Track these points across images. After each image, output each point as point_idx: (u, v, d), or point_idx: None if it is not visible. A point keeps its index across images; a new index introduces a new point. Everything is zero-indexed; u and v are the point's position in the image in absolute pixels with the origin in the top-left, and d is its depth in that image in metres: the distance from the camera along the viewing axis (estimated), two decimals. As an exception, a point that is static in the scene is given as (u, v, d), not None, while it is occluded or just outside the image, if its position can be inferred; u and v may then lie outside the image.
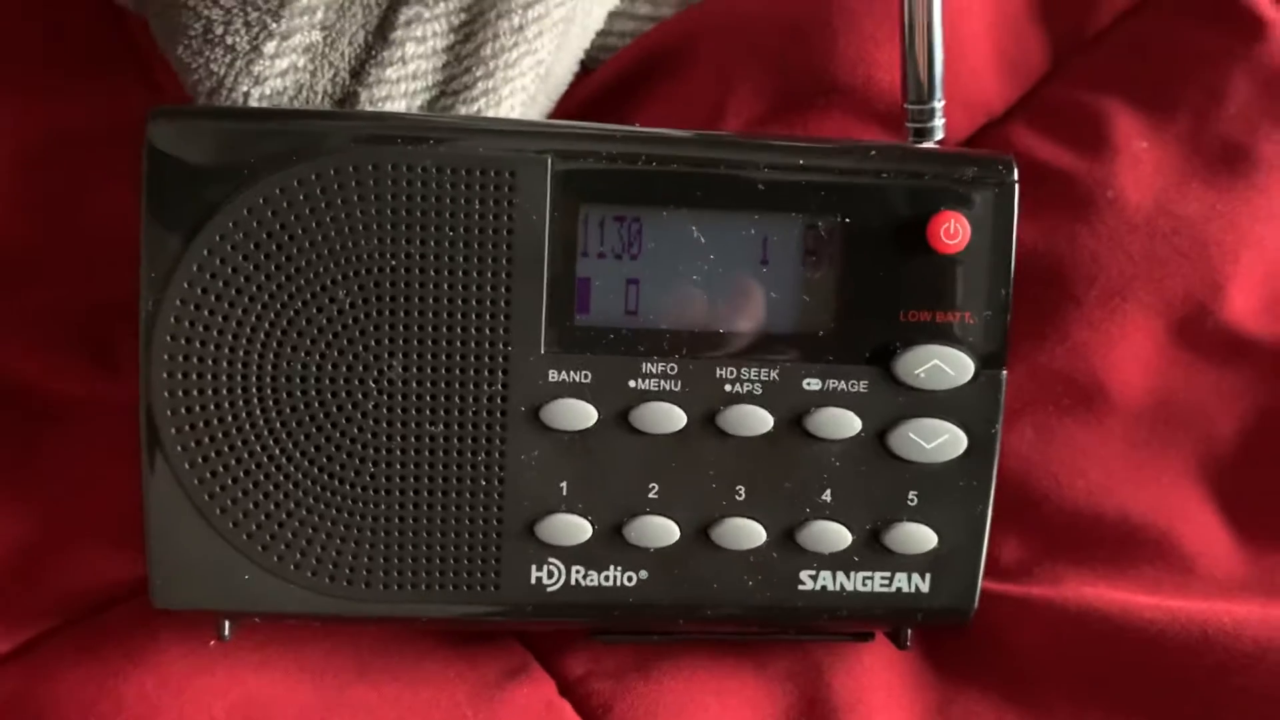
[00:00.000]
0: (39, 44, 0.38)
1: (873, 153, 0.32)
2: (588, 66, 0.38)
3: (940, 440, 0.32)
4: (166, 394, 0.30)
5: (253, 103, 0.33)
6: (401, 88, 0.34)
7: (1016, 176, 0.32)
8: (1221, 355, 0.37)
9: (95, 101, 0.38)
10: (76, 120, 0.38)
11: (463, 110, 0.34)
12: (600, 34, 0.38)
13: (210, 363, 0.30)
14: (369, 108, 0.34)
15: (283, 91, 0.34)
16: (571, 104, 0.38)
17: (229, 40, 0.33)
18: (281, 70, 0.33)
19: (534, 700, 0.33)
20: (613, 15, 0.38)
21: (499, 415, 0.31)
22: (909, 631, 0.34)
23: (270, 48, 0.33)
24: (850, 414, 0.32)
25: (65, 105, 0.38)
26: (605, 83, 0.38)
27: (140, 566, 0.34)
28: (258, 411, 0.30)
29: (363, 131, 0.30)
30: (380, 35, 0.34)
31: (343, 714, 0.33)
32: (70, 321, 0.36)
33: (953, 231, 0.31)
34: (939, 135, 0.34)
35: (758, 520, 0.32)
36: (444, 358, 0.31)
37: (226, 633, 0.32)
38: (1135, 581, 0.36)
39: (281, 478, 0.31)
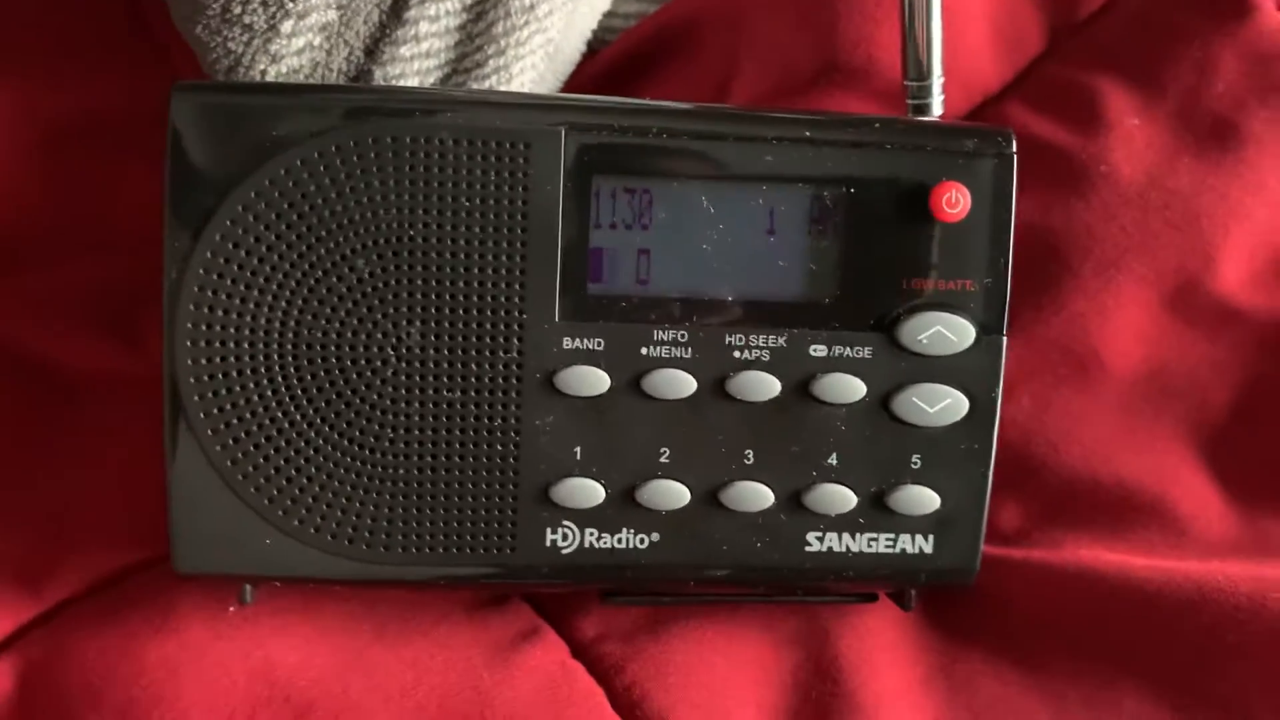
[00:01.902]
0: (57, 28, 0.39)
1: (877, 125, 0.33)
2: (593, 47, 0.39)
3: (943, 404, 0.33)
4: (190, 362, 0.31)
5: (270, 80, 0.34)
6: (415, 65, 0.35)
7: (1015, 148, 0.33)
8: (1212, 324, 0.38)
9: (113, 84, 0.38)
10: (96, 103, 0.38)
11: (474, 87, 0.35)
12: (607, 15, 0.39)
13: (233, 331, 0.31)
14: (385, 84, 0.34)
15: (299, 70, 0.34)
16: (578, 83, 0.39)
17: (247, 19, 0.34)
18: (298, 49, 0.34)
19: (547, 662, 0.34)
20: (619, -4, 0.39)
21: (515, 382, 0.32)
22: (913, 592, 0.35)
23: (287, 27, 0.34)
24: (855, 379, 0.33)
25: (85, 88, 0.38)
26: (611, 62, 0.39)
27: (160, 537, 0.35)
28: (279, 378, 0.31)
29: (381, 105, 0.31)
30: (394, 14, 0.35)
31: (361, 676, 0.33)
32: (92, 299, 0.37)
33: (954, 201, 0.32)
34: (938, 112, 0.35)
35: (766, 483, 0.33)
36: (461, 326, 0.32)
37: (248, 597, 0.33)
38: (1131, 544, 0.37)
39: (302, 443, 0.31)
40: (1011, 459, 0.37)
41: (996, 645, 0.36)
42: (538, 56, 0.35)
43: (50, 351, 0.37)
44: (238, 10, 0.34)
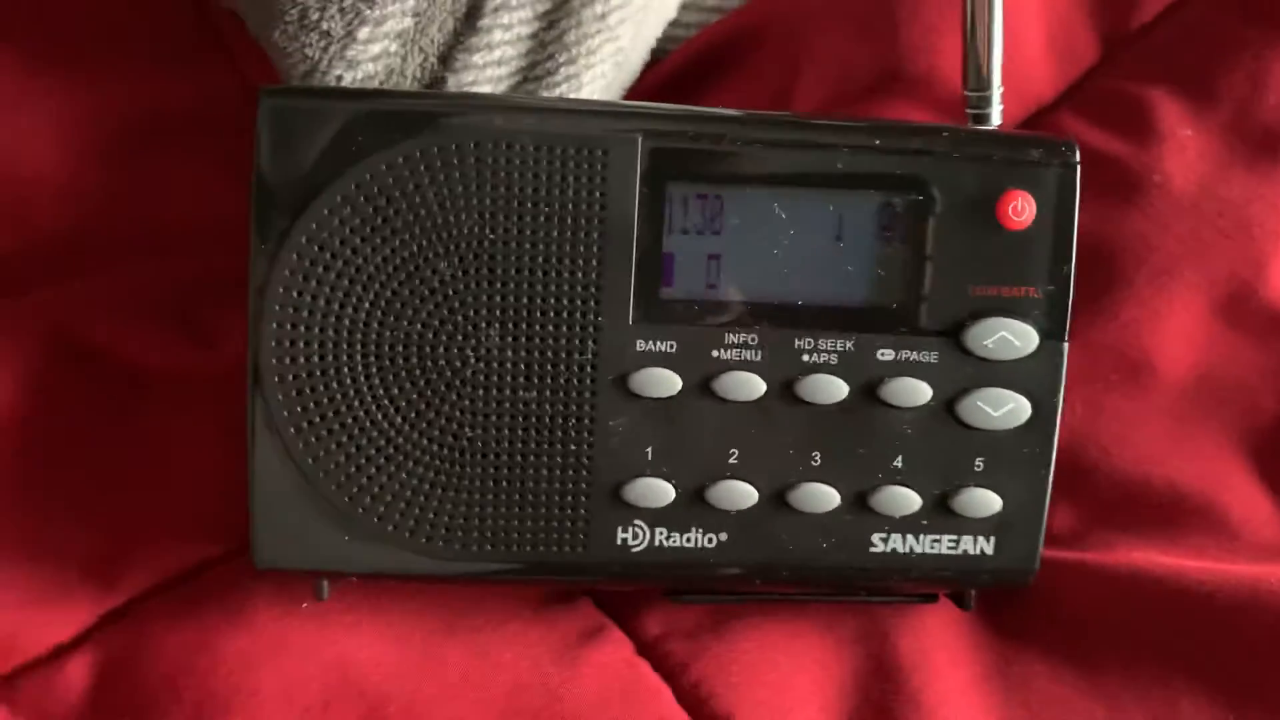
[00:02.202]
0: (125, 31, 0.40)
1: (945, 134, 0.33)
2: (656, 55, 0.40)
3: (1006, 408, 0.33)
4: (274, 360, 0.32)
5: (345, 86, 0.35)
6: (488, 73, 0.36)
7: (1078, 158, 0.33)
8: (1263, 332, 0.38)
9: (183, 89, 0.39)
10: (163, 105, 0.39)
11: (544, 95, 0.36)
12: (670, 24, 0.39)
13: (317, 330, 0.32)
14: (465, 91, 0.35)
15: (374, 76, 0.35)
16: (641, 91, 0.39)
17: (324, 26, 0.34)
18: (374, 55, 0.35)
19: (613, 659, 0.35)
20: (682, 6, 0.39)
21: (589, 383, 0.33)
22: (973, 593, 0.36)
23: (364, 33, 0.35)
24: (922, 383, 0.33)
25: (152, 91, 0.39)
26: (674, 71, 0.40)
27: (233, 532, 0.36)
28: (361, 378, 0.32)
29: (461, 111, 0.32)
30: (469, 21, 0.35)
31: (433, 672, 0.34)
32: (162, 298, 0.38)
33: (1020, 209, 0.33)
34: (996, 121, 0.36)
35: (832, 485, 0.33)
36: (538, 328, 0.32)
37: (325, 593, 0.34)
38: (1183, 548, 0.37)
39: (383, 442, 0.32)
40: (1065, 462, 0.38)
41: (1052, 646, 0.36)
42: (608, 65, 0.36)
43: (122, 349, 0.37)
44: (315, 17, 0.34)
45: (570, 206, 0.32)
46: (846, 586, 0.35)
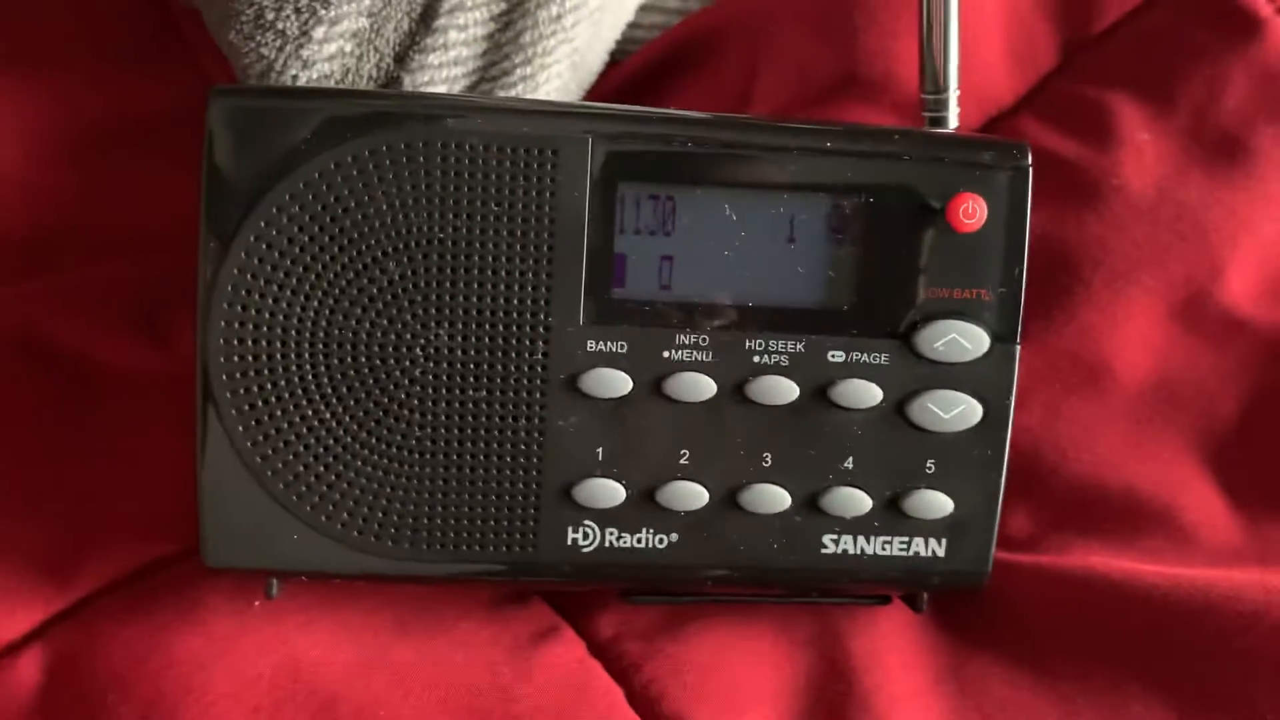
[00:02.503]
0: (91, 33, 0.40)
1: (896, 137, 0.33)
2: (616, 56, 0.40)
3: (957, 410, 0.34)
4: (222, 359, 0.32)
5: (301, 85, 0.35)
6: (443, 73, 0.36)
7: (1030, 161, 0.33)
8: (1220, 335, 0.39)
9: (145, 87, 0.39)
10: (128, 106, 0.39)
11: (500, 95, 0.36)
12: (630, 25, 0.39)
13: (265, 330, 0.32)
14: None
15: (330, 75, 0.35)
16: (601, 92, 0.39)
17: (280, 25, 0.35)
18: (329, 55, 0.35)
19: (566, 659, 0.35)
20: (642, 8, 0.39)
21: (539, 383, 0.33)
22: (925, 595, 0.36)
23: (319, 33, 0.35)
24: (872, 385, 0.33)
25: (118, 92, 0.39)
26: (633, 73, 0.40)
27: (187, 531, 0.35)
28: (310, 377, 0.32)
29: (413, 110, 0.32)
30: (424, 22, 0.36)
31: (384, 672, 0.34)
32: (122, 297, 0.38)
33: (971, 212, 0.33)
34: (953, 124, 0.36)
35: (783, 486, 0.34)
36: (487, 327, 0.32)
37: (274, 591, 0.34)
38: (1139, 551, 0.37)
39: (331, 441, 0.32)
40: (1022, 466, 0.38)
41: (1006, 648, 0.36)
42: (563, 66, 0.36)
43: (81, 348, 0.37)
44: (271, 16, 0.35)
45: (521, 207, 0.32)
46: (798, 587, 0.35)
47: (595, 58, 0.38)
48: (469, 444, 0.32)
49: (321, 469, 0.32)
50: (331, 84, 0.35)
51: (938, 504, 0.34)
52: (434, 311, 0.32)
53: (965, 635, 0.37)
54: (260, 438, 0.32)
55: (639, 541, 0.33)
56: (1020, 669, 0.36)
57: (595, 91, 0.39)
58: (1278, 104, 0.38)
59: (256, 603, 0.34)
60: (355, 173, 0.31)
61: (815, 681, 0.35)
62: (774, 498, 0.34)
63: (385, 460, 0.32)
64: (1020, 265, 0.34)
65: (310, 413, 0.32)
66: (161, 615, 0.34)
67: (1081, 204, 0.38)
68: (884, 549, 0.34)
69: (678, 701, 0.34)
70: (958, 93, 0.36)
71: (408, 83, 0.36)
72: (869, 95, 0.38)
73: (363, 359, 0.32)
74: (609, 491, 0.33)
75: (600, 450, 0.33)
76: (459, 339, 0.32)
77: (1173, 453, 0.38)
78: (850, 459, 0.34)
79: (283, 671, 0.33)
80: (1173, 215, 0.38)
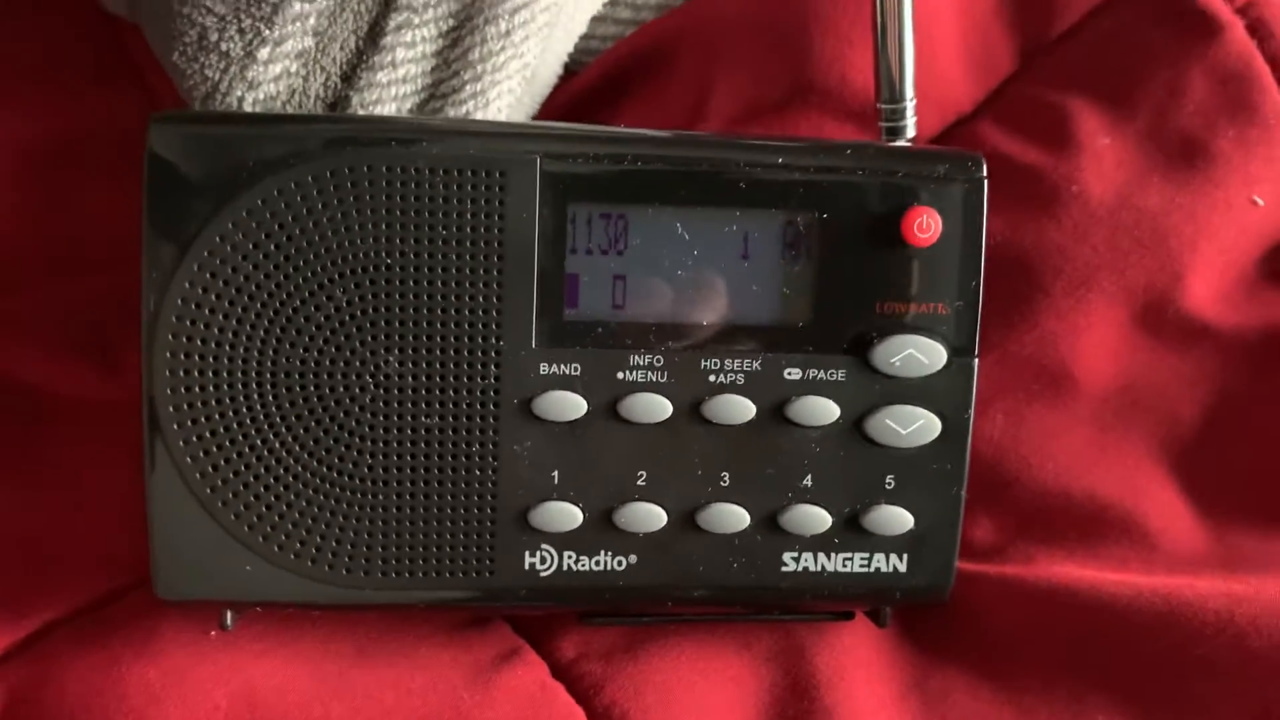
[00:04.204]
0: (37, 55, 0.39)
1: (848, 151, 0.33)
2: (571, 69, 0.39)
3: (915, 426, 0.33)
4: (169, 390, 0.31)
5: (247, 107, 0.34)
6: (392, 91, 0.35)
7: (985, 173, 0.33)
8: (1182, 341, 0.38)
9: (92, 109, 0.39)
10: (74, 128, 0.39)
11: (451, 112, 0.35)
12: (583, 38, 0.39)
13: (211, 359, 0.31)
14: (360, 111, 0.35)
15: (276, 96, 0.35)
16: (555, 106, 0.39)
17: (224, 46, 0.34)
18: (275, 75, 0.34)
19: (528, 682, 0.34)
20: (595, 20, 0.39)
21: (492, 407, 0.32)
22: (888, 610, 0.35)
23: (264, 53, 0.34)
24: (829, 402, 0.33)
25: (63, 114, 0.39)
26: (588, 85, 0.39)
27: (141, 561, 0.35)
28: (258, 406, 0.31)
29: (358, 134, 0.31)
30: (371, 41, 0.35)
31: (342, 699, 0.34)
32: (71, 324, 0.37)
33: (925, 226, 0.33)
34: (910, 133, 0.36)
35: (741, 505, 0.33)
36: (438, 352, 0.32)
37: (229, 622, 0.33)
38: (1103, 559, 0.37)
39: (281, 470, 0.32)
40: (985, 475, 0.38)
41: (970, 660, 0.36)
42: (514, 81, 0.35)
43: (29, 376, 0.37)
44: (214, 37, 0.34)
45: (469, 230, 0.32)
46: (760, 606, 0.35)
47: (548, 71, 0.38)
48: (422, 470, 0.32)
49: (273, 499, 0.32)
50: (278, 105, 0.35)
51: (898, 520, 0.34)
52: (383, 338, 0.32)
53: (929, 649, 0.36)
54: (209, 469, 0.32)
55: (598, 564, 0.33)
56: (984, 681, 0.36)
57: (550, 104, 0.39)
58: (1237, 106, 0.38)
59: (213, 632, 0.34)
60: (299, 199, 0.31)
61: (778, 698, 0.35)
62: (733, 517, 0.33)
63: (337, 489, 0.32)
64: (977, 278, 0.33)
65: (260, 442, 0.32)
66: (116, 647, 0.34)
67: (1041, 210, 0.38)
68: (845, 565, 0.34)
69: (639, 723, 0.34)
70: (914, 101, 0.36)
71: (356, 102, 0.35)
72: (826, 105, 0.38)
73: (312, 387, 0.32)
74: (566, 515, 0.33)
75: (556, 473, 0.33)
76: (409, 365, 0.32)
77: (1136, 459, 0.38)
78: (809, 477, 0.33)
79: (239, 701, 0.33)
80: (1133, 221, 0.38)
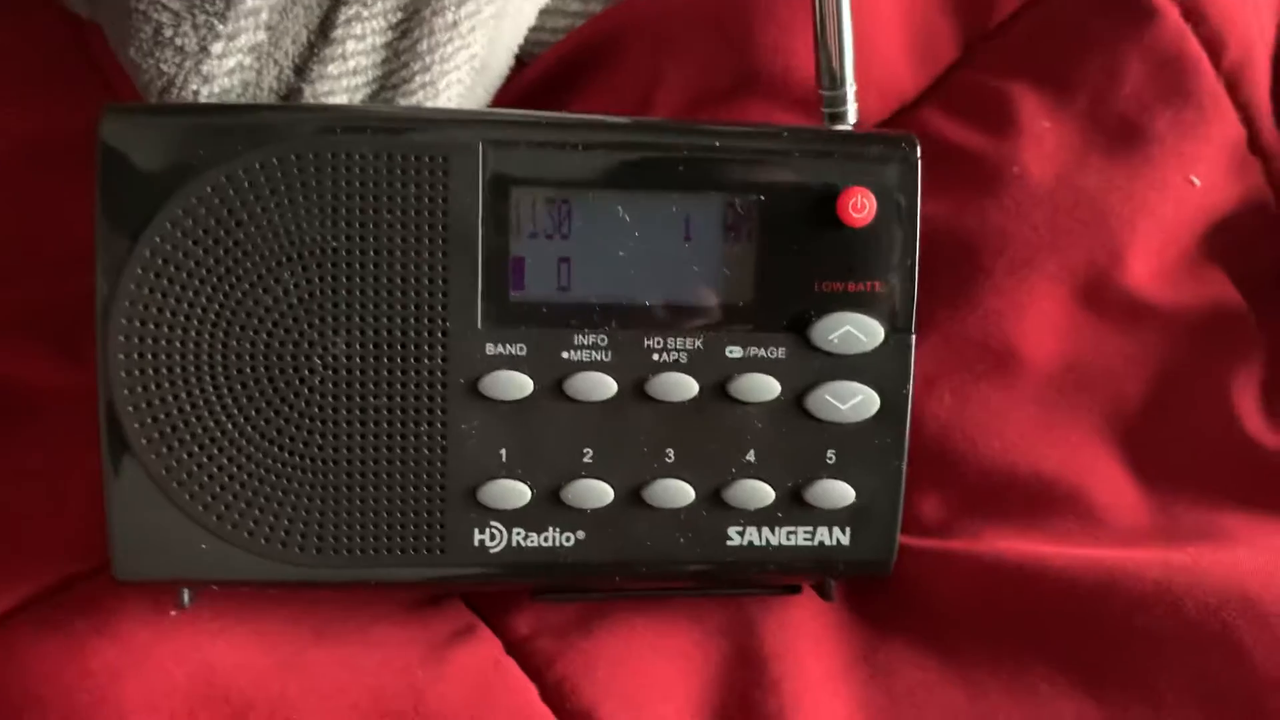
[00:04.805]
0: (3, 56, 0.40)
1: (785, 134, 0.34)
2: (522, 60, 0.40)
3: (854, 401, 0.34)
4: (123, 374, 0.32)
5: (202, 100, 0.35)
6: (343, 83, 0.36)
7: (919, 154, 0.34)
8: (1124, 319, 0.39)
9: (54, 107, 0.39)
10: (40, 125, 0.39)
11: (402, 103, 0.36)
12: (534, 29, 0.40)
13: (164, 344, 0.32)
14: (313, 102, 0.36)
15: (230, 89, 0.36)
16: (508, 96, 0.40)
17: (178, 42, 0.35)
18: (229, 69, 0.35)
19: (481, 659, 0.35)
20: (545, 12, 0.40)
21: (439, 388, 0.33)
22: (833, 583, 0.36)
23: (218, 48, 0.35)
24: (770, 378, 0.34)
25: (26, 112, 0.39)
26: (539, 75, 0.40)
27: (102, 547, 0.36)
28: (210, 390, 0.32)
29: (304, 123, 0.32)
30: (322, 34, 0.36)
31: (299, 676, 0.34)
32: (36, 317, 0.38)
33: (860, 206, 0.33)
34: (852, 119, 0.37)
35: (686, 480, 0.34)
36: (385, 335, 0.33)
37: (186, 601, 0.34)
38: (1049, 534, 0.38)
39: (235, 452, 0.33)
40: (932, 453, 0.38)
41: (916, 633, 0.37)
42: (463, 72, 0.36)
43: (-5, 368, 0.38)
44: (169, 33, 0.35)
45: (414, 214, 0.32)
46: (707, 581, 0.35)
47: (498, 62, 0.39)
48: (372, 450, 0.33)
49: (226, 480, 0.33)
50: (233, 98, 0.36)
51: (839, 493, 0.34)
52: (331, 321, 0.32)
53: (876, 622, 0.37)
54: (165, 450, 0.32)
55: (546, 540, 0.34)
56: (929, 653, 0.36)
57: (502, 94, 0.40)
58: (1173, 90, 0.39)
59: (172, 612, 0.35)
60: (246, 185, 0.32)
61: (726, 671, 0.36)
62: (678, 492, 0.34)
63: (290, 469, 0.33)
64: (912, 256, 0.34)
65: (213, 425, 0.32)
66: (76, 629, 0.34)
67: (983, 192, 0.39)
68: (789, 539, 0.35)
69: (589, 697, 0.34)
70: (854, 88, 0.36)
71: (309, 94, 0.36)
72: (770, 93, 0.39)
73: (262, 370, 0.32)
74: (514, 492, 0.34)
75: (504, 452, 0.33)
76: (357, 347, 0.33)
77: (1081, 435, 0.39)
78: (752, 452, 0.34)
79: (198, 679, 0.34)
80: (1072, 201, 0.39)
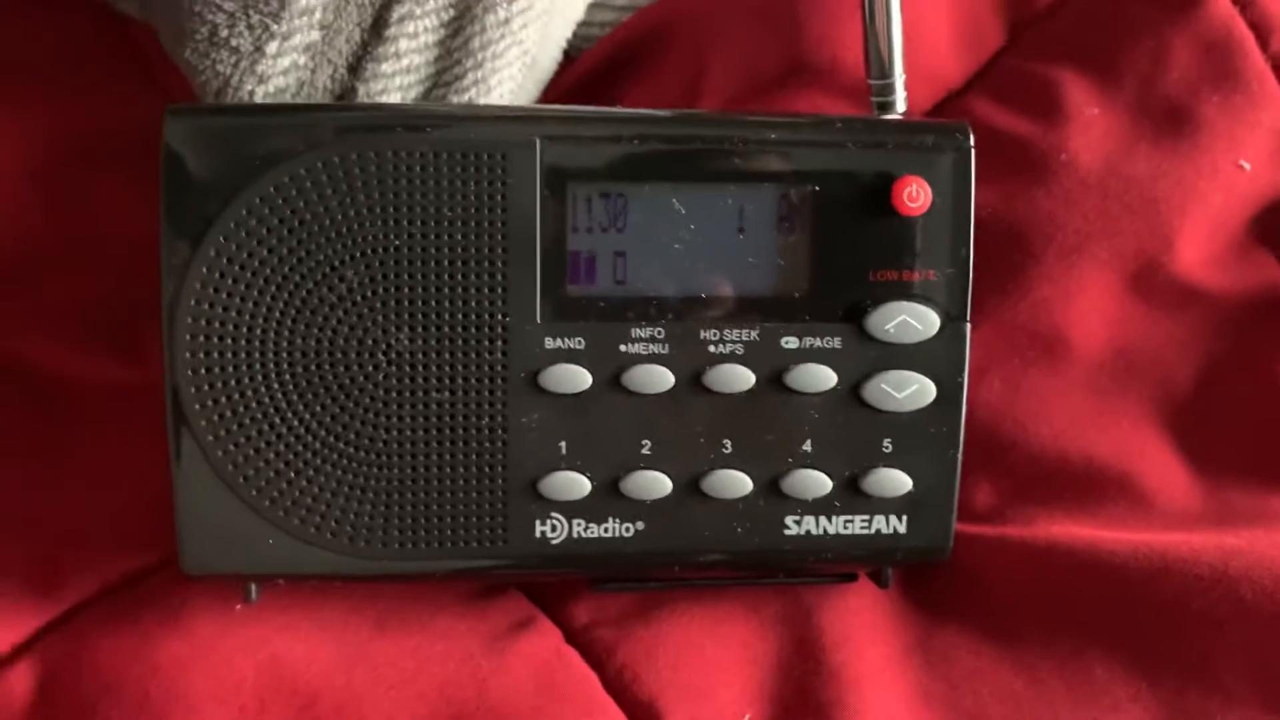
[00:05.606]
0: (50, 55, 0.40)
1: (839, 125, 0.34)
2: (570, 54, 0.40)
3: (910, 390, 0.34)
4: (190, 372, 0.32)
5: (258, 100, 0.35)
6: (396, 81, 0.36)
7: (973, 142, 0.34)
8: (1174, 304, 0.39)
9: (105, 107, 0.40)
10: (89, 124, 0.40)
11: (455, 100, 0.36)
12: (582, 24, 0.40)
13: (230, 342, 0.32)
14: (366, 101, 0.36)
15: (285, 89, 0.36)
16: (557, 91, 0.40)
17: (234, 42, 0.35)
18: (284, 69, 0.36)
19: (542, 649, 0.36)
20: (593, 6, 0.40)
21: (500, 382, 0.33)
22: (890, 571, 0.36)
23: (273, 48, 0.35)
24: (826, 369, 0.34)
25: (77, 112, 0.40)
26: (588, 70, 0.40)
27: (168, 540, 0.36)
28: (276, 386, 0.33)
29: (364, 122, 0.33)
30: (375, 32, 0.36)
31: (365, 667, 0.35)
32: (90, 314, 0.39)
33: (915, 195, 0.34)
34: (901, 108, 0.37)
35: (744, 471, 0.34)
36: (446, 330, 0.33)
37: (253, 595, 0.35)
38: (1100, 519, 0.38)
39: (300, 447, 0.33)
40: (984, 440, 0.39)
41: (972, 619, 0.37)
42: (515, 68, 0.37)
43: (55, 367, 0.38)
44: (224, 34, 0.35)
45: (473, 211, 0.33)
46: (764, 570, 0.36)
47: (548, 57, 0.39)
48: (434, 444, 0.33)
49: (292, 475, 0.33)
50: (288, 97, 0.36)
51: (896, 482, 0.35)
52: (394, 317, 0.33)
53: (931, 608, 0.37)
54: (231, 446, 0.33)
55: (606, 531, 0.34)
56: (986, 639, 0.37)
57: (551, 89, 0.40)
58: (1221, 73, 0.39)
59: (238, 606, 0.35)
60: (309, 185, 0.32)
61: (784, 659, 0.36)
62: (736, 483, 0.34)
63: (354, 464, 0.33)
64: (967, 245, 0.34)
65: (279, 420, 0.33)
66: (145, 623, 0.35)
67: (1032, 180, 0.39)
68: (846, 528, 0.35)
69: (650, 685, 0.35)
70: (904, 77, 0.37)
71: (362, 92, 0.36)
72: (818, 83, 0.39)
73: (326, 366, 0.33)
74: (574, 484, 0.34)
75: (563, 444, 0.34)
76: (419, 342, 0.33)
77: (1131, 421, 0.39)
78: (809, 442, 0.34)
79: (265, 671, 0.34)
80: (1121, 188, 0.39)
